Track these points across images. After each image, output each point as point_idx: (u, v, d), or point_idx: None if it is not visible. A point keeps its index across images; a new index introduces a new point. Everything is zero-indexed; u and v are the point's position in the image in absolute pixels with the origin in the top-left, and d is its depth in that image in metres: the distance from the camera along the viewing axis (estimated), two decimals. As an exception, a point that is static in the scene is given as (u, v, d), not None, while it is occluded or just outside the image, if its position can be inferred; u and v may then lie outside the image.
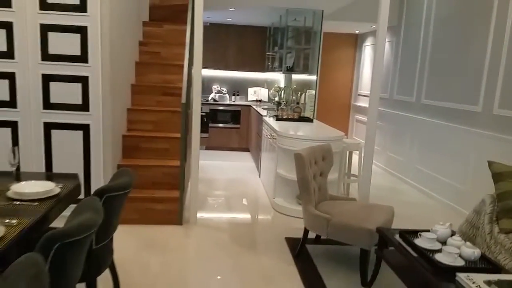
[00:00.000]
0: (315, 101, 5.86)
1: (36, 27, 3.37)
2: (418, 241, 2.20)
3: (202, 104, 7.00)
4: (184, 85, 3.76)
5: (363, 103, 7.21)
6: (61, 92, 3.47)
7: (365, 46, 7.33)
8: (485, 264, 2.02)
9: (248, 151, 7.14)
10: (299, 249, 3.12)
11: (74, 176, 2.45)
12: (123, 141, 3.95)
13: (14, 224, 1.65)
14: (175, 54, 4.74)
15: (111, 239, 2.14)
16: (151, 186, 3.76)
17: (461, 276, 1.83)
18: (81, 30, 3.42)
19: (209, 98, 7.33)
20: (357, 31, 7.40)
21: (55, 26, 3.39)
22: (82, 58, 3.45)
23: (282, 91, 6.76)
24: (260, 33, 7.25)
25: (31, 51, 3.39)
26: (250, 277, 2.82)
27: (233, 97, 7.51)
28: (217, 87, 7.47)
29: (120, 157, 3.92)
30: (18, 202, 1.92)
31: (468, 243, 2.06)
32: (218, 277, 2.79)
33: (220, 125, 7.09)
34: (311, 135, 4.04)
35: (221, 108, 7.09)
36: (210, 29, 7.16)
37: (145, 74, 4.58)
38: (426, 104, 5.20)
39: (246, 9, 5.70)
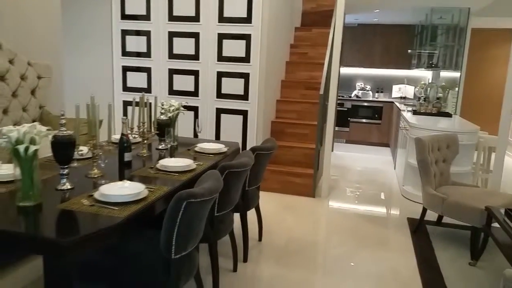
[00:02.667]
0: (457, 98, 5.76)
1: (215, 36, 4.48)
2: (523, 219, 2.36)
3: (344, 100, 7.55)
4: (323, 80, 4.39)
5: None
6: (229, 85, 4.51)
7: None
8: None
9: (388, 146, 7.34)
10: (417, 226, 3.43)
11: (236, 144, 3.36)
12: (272, 126, 4.82)
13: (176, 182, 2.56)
14: (320, 54, 5.41)
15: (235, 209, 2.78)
16: (291, 164, 4.53)
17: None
18: (246, 37, 4.39)
19: (352, 95, 7.79)
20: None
21: (228, 35, 4.44)
22: (246, 59, 4.42)
23: (428, 88, 6.76)
24: (407, 31, 7.34)
25: (210, 54, 4.52)
26: (368, 241, 3.29)
27: (376, 94, 7.79)
28: (361, 84, 7.86)
29: (269, 139, 4.81)
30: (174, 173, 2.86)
31: None
32: (337, 237, 3.35)
33: (362, 120, 7.48)
34: (441, 127, 4.20)
35: (363, 104, 7.47)
36: (358, 29, 7.60)
37: (293, 71, 5.39)
38: None
39: (391, 9, 5.98)
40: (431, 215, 3.51)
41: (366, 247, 3.19)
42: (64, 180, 1.95)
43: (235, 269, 2.71)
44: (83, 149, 2.29)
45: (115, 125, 2.84)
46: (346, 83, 7.93)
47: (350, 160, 6.27)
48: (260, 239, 3.18)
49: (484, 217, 2.79)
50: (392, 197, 4.52)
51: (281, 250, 3.07)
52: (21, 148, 1.66)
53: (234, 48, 4.44)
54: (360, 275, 2.75)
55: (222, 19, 4.42)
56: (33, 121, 3.40)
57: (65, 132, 1.92)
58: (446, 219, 3.54)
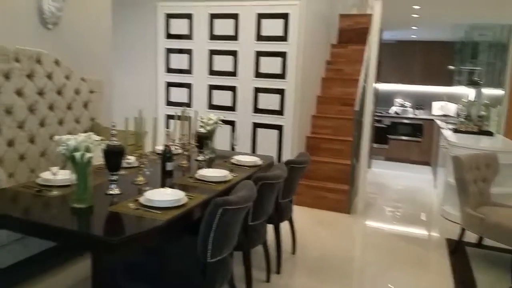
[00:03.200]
0: (500, 116, 5.59)
1: (252, 53, 4.65)
2: None
3: (383, 116, 7.49)
4: (358, 96, 4.42)
5: None
6: (265, 101, 4.65)
7: None
8: None
9: (429, 165, 7.17)
10: (455, 247, 3.36)
11: (270, 158, 3.46)
12: (307, 141, 4.89)
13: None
14: (356, 70, 5.43)
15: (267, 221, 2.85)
16: (326, 179, 4.55)
17: None
18: (282, 55, 4.53)
19: (391, 111, 7.71)
20: None
21: (265, 52, 4.60)
22: (282, 75, 4.55)
23: (471, 106, 6.59)
24: (447, 47, 7.22)
25: (248, 70, 4.69)
26: (404, 260, 3.25)
27: (416, 110, 7.66)
28: (400, 101, 7.78)
29: (304, 154, 4.88)
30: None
31: None
32: (371, 255, 3.33)
33: (401, 137, 7.37)
34: (482, 146, 4.10)
35: (402, 121, 7.37)
36: (397, 46, 7.58)
37: (329, 87, 5.45)
38: None
39: (429, 27, 5.95)
40: (472, 237, 3.42)
41: (402, 266, 3.16)
42: (113, 186, 2.13)
43: (268, 280, 2.77)
44: (130, 159, 2.48)
45: (159, 138, 3.05)
46: (385, 100, 7.87)
47: (388, 178, 6.18)
48: (293, 252, 3.24)
49: (525, 238, 2.71)
50: (431, 216, 4.43)
51: (314, 264, 3.11)
52: (78, 155, 1.85)
53: (270, 65, 4.59)
54: (393, 291, 2.74)
55: (259, 37, 4.59)
56: (85, 132, 3.68)
57: (115, 142, 2.11)
58: (487, 241, 3.43)
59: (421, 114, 7.59)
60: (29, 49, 3.01)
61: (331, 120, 5.00)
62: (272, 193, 2.50)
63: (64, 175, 2.26)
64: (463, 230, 3.27)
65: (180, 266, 1.98)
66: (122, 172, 2.48)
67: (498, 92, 5.80)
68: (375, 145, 7.46)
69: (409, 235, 3.80)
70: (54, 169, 2.32)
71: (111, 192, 2.10)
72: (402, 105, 7.67)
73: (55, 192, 2.12)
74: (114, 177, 2.12)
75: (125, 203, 1.96)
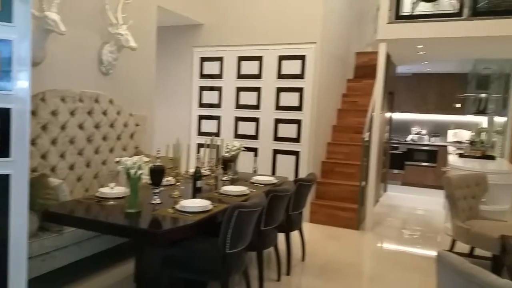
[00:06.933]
0: (503, 142, 5.94)
1: (274, 89, 5.35)
2: (526, 245, 2.71)
3: (400, 143, 7.93)
4: (366, 124, 4.98)
5: None
6: (284, 130, 5.29)
7: None
8: None
9: (443, 189, 7.46)
10: (449, 258, 3.77)
11: (285, 178, 4.05)
12: (322, 165, 5.45)
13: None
14: (368, 102, 6.01)
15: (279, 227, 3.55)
16: (339, 199, 5.07)
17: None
18: (300, 90, 5.19)
19: (408, 139, 8.14)
20: None
21: (284, 88, 5.28)
22: (299, 108, 5.19)
23: (482, 133, 6.95)
24: (459, 79, 7.65)
25: (269, 104, 5.37)
26: (401, 266, 3.70)
27: (432, 138, 8.06)
28: (417, 129, 8.21)
29: (319, 176, 5.42)
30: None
31: None
32: (371, 261, 3.80)
33: (417, 163, 7.76)
34: (477, 168, 4.53)
35: (418, 147, 7.79)
36: (412, 78, 8.09)
37: (345, 117, 6.03)
38: None
39: (438, 62, 6.47)
40: (465, 248, 3.81)
41: (399, 271, 3.62)
42: (156, 197, 2.79)
43: (278, 279, 3.32)
44: (169, 179, 3.16)
45: (191, 162, 3.69)
46: (402, 128, 8.32)
47: (401, 200, 6.58)
48: (303, 259, 3.76)
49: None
50: (435, 234, 4.82)
51: (321, 268, 3.62)
52: (132, 171, 2.54)
53: (289, 99, 5.25)
54: (387, 292, 3.21)
55: (280, 75, 5.30)
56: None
57: (159, 163, 2.79)
58: (479, 251, 3.81)
59: (436, 141, 7.97)
60: (90, 91, 3.82)
61: (344, 146, 5.55)
62: (281, 204, 3.09)
63: (119, 190, 2.96)
64: (453, 240, 3.69)
65: (205, 257, 2.58)
66: (162, 188, 3.17)
67: (504, 119, 6.17)
68: (395, 171, 7.87)
69: (409, 248, 4.23)
70: (112, 184, 3.02)
71: (154, 202, 2.76)
72: (419, 133, 8.09)
73: (111, 202, 2.81)
74: (157, 190, 2.79)
75: (165, 209, 2.61)
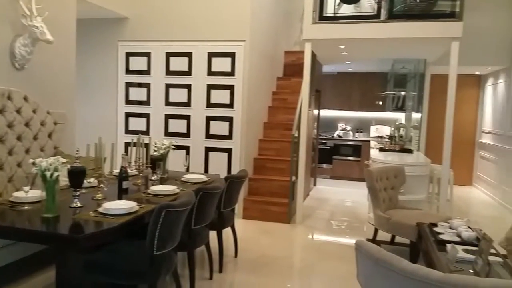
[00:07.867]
0: (419, 136, 6.50)
1: (204, 86, 5.28)
2: (437, 228, 2.98)
3: (328, 139, 8.29)
4: (295, 121, 5.12)
5: (487, 139, 7.30)
6: (216, 127, 5.26)
7: (487, 86, 7.52)
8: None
9: (369, 182, 7.96)
10: (372, 246, 4.01)
11: (217, 176, 4.03)
12: (254, 162, 5.51)
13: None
14: (297, 99, 6.19)
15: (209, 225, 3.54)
16: (270, 194, 5.16)
17: (448, 245, 2.61)
18: (231, 87, 5.19)
19: (334, 135, 8.54)
20: (477, 73, 7.65)
21: (215, 85, 5.24)
22: (230, 105, 5.19)
23: (401, 128, 7.52)
24: (380, 78, 8.18)
25: (200, 101, 5.31)
26: (328, 256, 3.86)
27: (356, 133, 8.53)
28: (342, 125, 8.63)
29: (251, 173, 5.48)
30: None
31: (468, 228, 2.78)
32: (302, 253, 3.93)
33: (343, 157, 8.17)
34: (396, 161, 4.89)
35: (344, 143, 8.20)
36: (337, 77, 8.48)
37: (275, 115, 6.15)
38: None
39: (359, 61, 6.86)
40: (387, 236, 4.08)
41: (327, 261, 3.77)
42: (76, 200, 2.61)
43: (211, 277, 3.29)
44: (91, 180, 2.98)
45: (117, 162, 3.51)
46: (329, 125, 8.70)
47: (330, 194, 6.88)
48: (235, 255, 3.77)
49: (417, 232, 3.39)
50: (361, 224, 5.11)
51: (253, 264, 3.66)
52: (48, 173, 2.35)
53: (220, 96, 5.23)
54: (319, 281, 3.33)
55: (210, 73, 5.25)
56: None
57: (78, 164, 2.62)
58: (399, 239, 4.11)
59: (360, 137, 8.46)
60: (1, 88, 3.47)
61: (275, 143, 5.66)
62: (212, 202, 3.06)
63: (34, 194, 2.72)
64: (376, 230, 3.94)
65: (131, 260, 2.47)
66: (83, 190, 2.98)
67: (420, 115, 6.74)
68: (324, 166, 8.21)
69: (337, 239, 4.44)
70: (26, 188, 2.78)
71: (74, 205, 2.59)
72: (344, 129, 8.52)
73: (26, 207, 2.58)
74: (77, 193, 2.62)
75: (86, 213, 2.46)
